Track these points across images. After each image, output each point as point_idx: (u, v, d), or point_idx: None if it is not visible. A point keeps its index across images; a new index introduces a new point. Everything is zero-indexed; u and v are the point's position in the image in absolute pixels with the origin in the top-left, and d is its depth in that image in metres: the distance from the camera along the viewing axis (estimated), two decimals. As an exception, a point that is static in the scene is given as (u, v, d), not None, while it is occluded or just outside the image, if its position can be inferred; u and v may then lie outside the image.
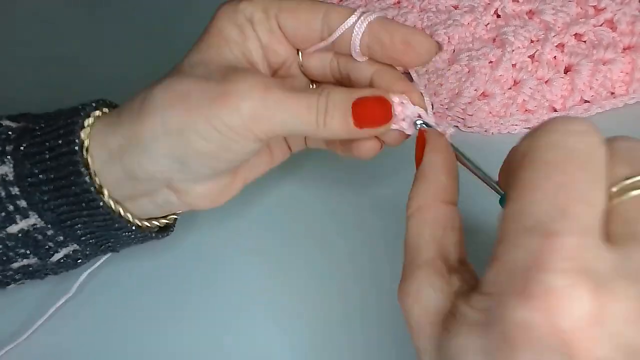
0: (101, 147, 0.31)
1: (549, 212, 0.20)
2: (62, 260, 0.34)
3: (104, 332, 0.37)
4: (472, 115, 0.44)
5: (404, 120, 0.31)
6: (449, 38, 0.49)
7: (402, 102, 0.31)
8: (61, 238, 0.33)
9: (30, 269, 0.34)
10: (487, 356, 0.20)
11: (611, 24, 0.47)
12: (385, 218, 0.38)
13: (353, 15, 0.31)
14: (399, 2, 0.52)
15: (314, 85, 0.35)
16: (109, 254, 0.36)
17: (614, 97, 0.45)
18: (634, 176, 0.21)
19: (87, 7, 0.59)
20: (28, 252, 0.33)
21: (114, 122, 0.31)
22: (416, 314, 0.23)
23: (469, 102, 0.45)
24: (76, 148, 0.30)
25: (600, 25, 0.47)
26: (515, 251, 0.20)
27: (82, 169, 0.30)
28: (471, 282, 0.24)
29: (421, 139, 0.29)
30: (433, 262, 0.24)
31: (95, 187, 0.31)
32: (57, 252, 0.33)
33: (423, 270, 0.24)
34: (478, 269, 0.25)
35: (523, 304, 0.19)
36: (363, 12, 0.31)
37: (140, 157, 0.30)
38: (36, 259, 0.33)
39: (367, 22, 0.30)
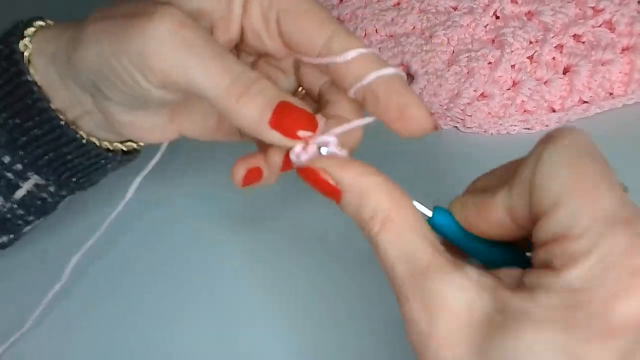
0: (40, 52, 0.30)
1: (614, 204, 0.21)
2: (26, 199, 0.33)
3: (98, 329, 0.37)
4: (471, 115, 0.45)
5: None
6: (448, 39, 0.49)
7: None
8: (20, 167, 0.31)
9: None
10: (568, 354, 0.20)
11: (610, 25, 0.47)
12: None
13: (357, 51, 0.28)
14: (398, 4, 0.52)
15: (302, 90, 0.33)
16: (96, 236, 0.35)
17: (612, 98, 0.45)
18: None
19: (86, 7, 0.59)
20: None
21: (56, 31, 0.31)
22: (445, 321, 0.22)
23: (468, 103, 0.45)
24: (15, 49, 0.30)
25: (599, 26, 0.47)
26: (606, 244, 0.20)
27: (23, 68, 0.30)
28: (487, 272, 0.24)
29: (318, 176, 0.26)
30: (437, 259, 0.23)
31: (38, 87, 0.30)
32: (18, 186, 0.32)
33: (433, 272, 0.23)
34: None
35: (630, 295, 0.20)
36: (376, 56, 0.28)
37: (71, 56, 0.29)
38: (1, 198, 0.32)
39: (378, 75, 0.27)
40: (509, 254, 0.27)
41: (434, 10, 0.51)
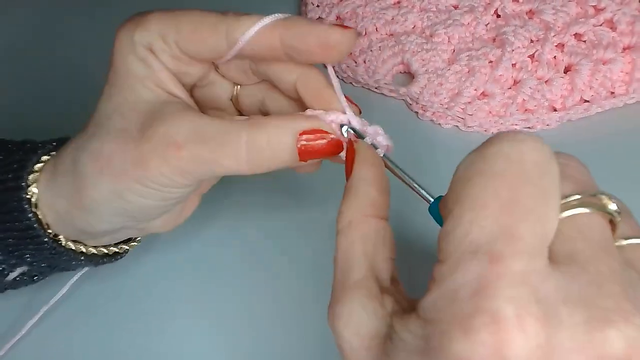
0: (49, 207, 0.31)
1: (494, 232, 0.18)
2: (17, 279, 0.34)
3: (98, 332, 0.37)
4: (472, 114, 0.44)
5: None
6: (449, 38, 0.49)
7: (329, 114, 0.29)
8: (13, 261, 0.33)
9: None
10: None
11: (611, 24, 0.47)
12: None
13: (255, 25, 0.28)
14: (399, 2, 0.52)
15: (237, 88, 0.34)
16: (85, 269, 0.36)
17: (613, 97, 0.45)
18: (576, 194, 0.21)
19: (87, 7, 0.59)
20: None
21: (55, 182, 0.30)
22: (348, 339, 0.22)
23: (469, 102, 0.45)
24: (22, 184, 0.30)
25: (600, 25, 0.47)
26: (457, 276, 0.18)
27: (26, 206, 0.30)
28: (403, 303, 0.23)
29: (350, 151, 0.28)
30: (365, 282, 0.23)
31: (39, 223, 0.31)
32: (11, 271, 0.33)
33: (355, 292, 0.23)
34: (412, 285, 0.25)
35: (465, 336, 0.17)
36: (264, 18, 0.28)
37: (88, 219, 0.30)
38: None
39: (258, 27, 0.28)
40: None
41: (435, 9, 0.51)
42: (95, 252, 0.34)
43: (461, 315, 0.18)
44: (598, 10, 0.48)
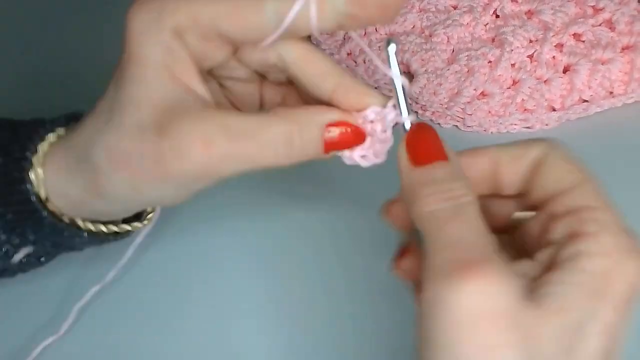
0: (60, 195, 0.30)
1: None
2: (23, 261, 0.34)
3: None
4: (471, 114, 0.45)
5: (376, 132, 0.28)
6: (448, 38, 0.49)
7: (373, 119, 0.28)
8: (17, 241, 0.32)
9: None
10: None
11: (610, 24, 0.48)
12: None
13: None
14: (398, 2, 0.52)
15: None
16: (97, 287, 0.36)
17: (612, 97, 0.45)
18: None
19: (88, 7, 0.59)
20: None
21: (68, 171, 0.30)
22: (488, 306, 0.21)
23: (468, 102, 0.45)
24: (27, 154, 0.30)
25: (599, 25, 0.47)
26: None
27: (26, 177, 0.30)
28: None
29: (413, 137, 0.26)
30: (494, 256, 0.22)
31: (38, 198, 0.30)
32: (16, 252, 0.33)
33: (493, 262, 0.22)
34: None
35: None
36: None
37: (103, 205, 0.30)
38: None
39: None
40: None
41: (434, 9, 0.51)
42: (105, 230, 0.33)
43: None
44: (597, 10, 0.48)
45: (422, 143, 0.26)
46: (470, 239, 0.22)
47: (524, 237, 0.26)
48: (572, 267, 0.22)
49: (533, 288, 0.22)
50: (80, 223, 0.32)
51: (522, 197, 0.26)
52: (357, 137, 0.28)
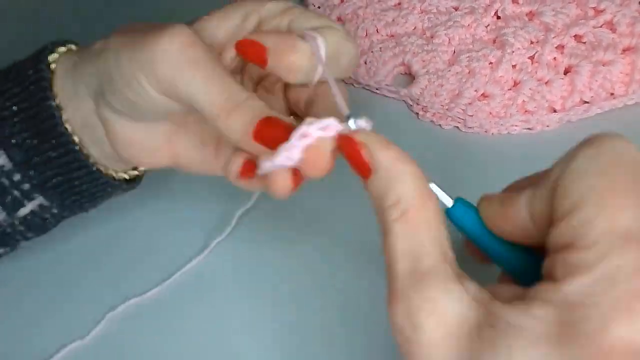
0: (63, 71, 0.32)
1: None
2: (29, 217, 0.34)
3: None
4: (472, 115, 0.45)
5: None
6: (449, 39, 0.49)
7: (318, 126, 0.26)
8: (27, 186, 0.33)
9: (0, 229, 0.34)
10: None
11: (611, 26, 0.48)
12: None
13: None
14: (399, 4, 0.52)
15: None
16: (135, 300, 0.36)
17: (613, 98, 0.45)
18: None
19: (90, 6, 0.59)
20: None
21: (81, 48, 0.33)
22: (431, 330, 0.21)
23: (469, 103, 0.45)
24: (44, 74, 0.31)
25: (600, 27, 0.47)
26: (613, 259, 0.19)
27: (49, 94, 0.31)
28: (484, 288, 0.22)
29: (352, 145, 0.25)
30: (441, 266, 0.22)
31: (59, 112, 0.32)
32: (23, 205, 0.33)
33: (433, 278, 0.22)
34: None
35: (629, 318, 0.18)
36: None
37: (93, 59, 0.31)
38: (4, 214, 0.33)
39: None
40: (525, 259, 0.26)
41: (435, 11, 0.51)
42: (115, 177, 0.34)
43: (624, 301, 0.18)
44: (598, 11, 0.48)
45: (351, 160, 0.25)
46: (425, 248, 0.23)
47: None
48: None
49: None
50: (90, 153, 0.33)
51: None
52: (279, 132, 0.27)
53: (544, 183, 0.23)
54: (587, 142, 0.22)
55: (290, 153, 0.26)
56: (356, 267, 0.37)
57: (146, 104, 0.30)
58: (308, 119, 0.26)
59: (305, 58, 0.29)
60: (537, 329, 0.19)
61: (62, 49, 0.33)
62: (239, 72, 0.34)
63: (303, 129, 0.26)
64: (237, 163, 0.29)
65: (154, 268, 0.38)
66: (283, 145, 0.26)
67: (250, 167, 0.29)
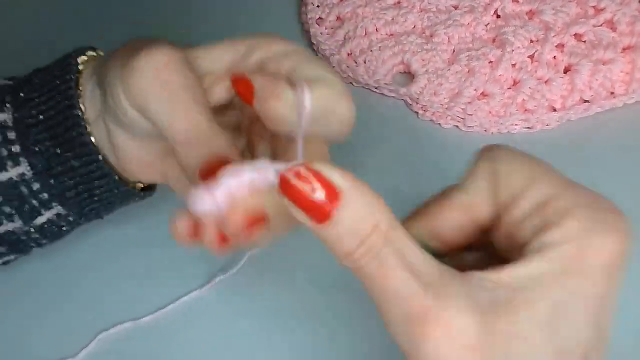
0: (87, 77, 0.32)
1: None
2: (45, 225, 0.34)
3: None
4: (472, 114, 0.45)
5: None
6: (448, 38, 0.49)
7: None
8: (46, 196, 0.33)
9: (14, 237, 0.34)
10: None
11: (611, 24, 0.47)
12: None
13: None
14: (399, 2, 0.52)
15: None
16: (128, 324, 0.36)
17: (613, 97, 0.45)
18: None
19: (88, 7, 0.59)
20: (13, 211, 0.33)
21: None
22: (452, 351, 0.20)
23: (469, 102, 0.45)
24: (71, 86, 0.31)
25: (600, 26, 0.47)
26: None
27: (75, 103, 0.31)
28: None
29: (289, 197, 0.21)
30: (431, 301, 0.21)
31: (84, 121, 0.32)
32: (40, 213, 0.33)
33: (430, 320, 0.20)
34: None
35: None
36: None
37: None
38: (20, 222, 0.33)
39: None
40: None
41: (435, 9, 0.51)
42: (133, 186, 0.34)
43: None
44: (598, 10, 0.48)
45: (298, 203, 0.21)
46: (406, 289, 0.21)
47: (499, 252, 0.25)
48: (539, 258, 0.21)
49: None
50: (110, 161, 0.33)
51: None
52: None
53: (472, 180, 0.24)
54: (490, 146, 0.24)
55: (212, 194, 0.22)
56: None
57: (125, 119, 0.30)
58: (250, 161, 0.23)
59: (287, 107, 0.26)
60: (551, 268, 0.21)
61: (85, 56, 0.33)
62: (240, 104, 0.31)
63: (234, 169, 0.22)
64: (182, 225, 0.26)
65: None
66: (207, 184, 0.23)
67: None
